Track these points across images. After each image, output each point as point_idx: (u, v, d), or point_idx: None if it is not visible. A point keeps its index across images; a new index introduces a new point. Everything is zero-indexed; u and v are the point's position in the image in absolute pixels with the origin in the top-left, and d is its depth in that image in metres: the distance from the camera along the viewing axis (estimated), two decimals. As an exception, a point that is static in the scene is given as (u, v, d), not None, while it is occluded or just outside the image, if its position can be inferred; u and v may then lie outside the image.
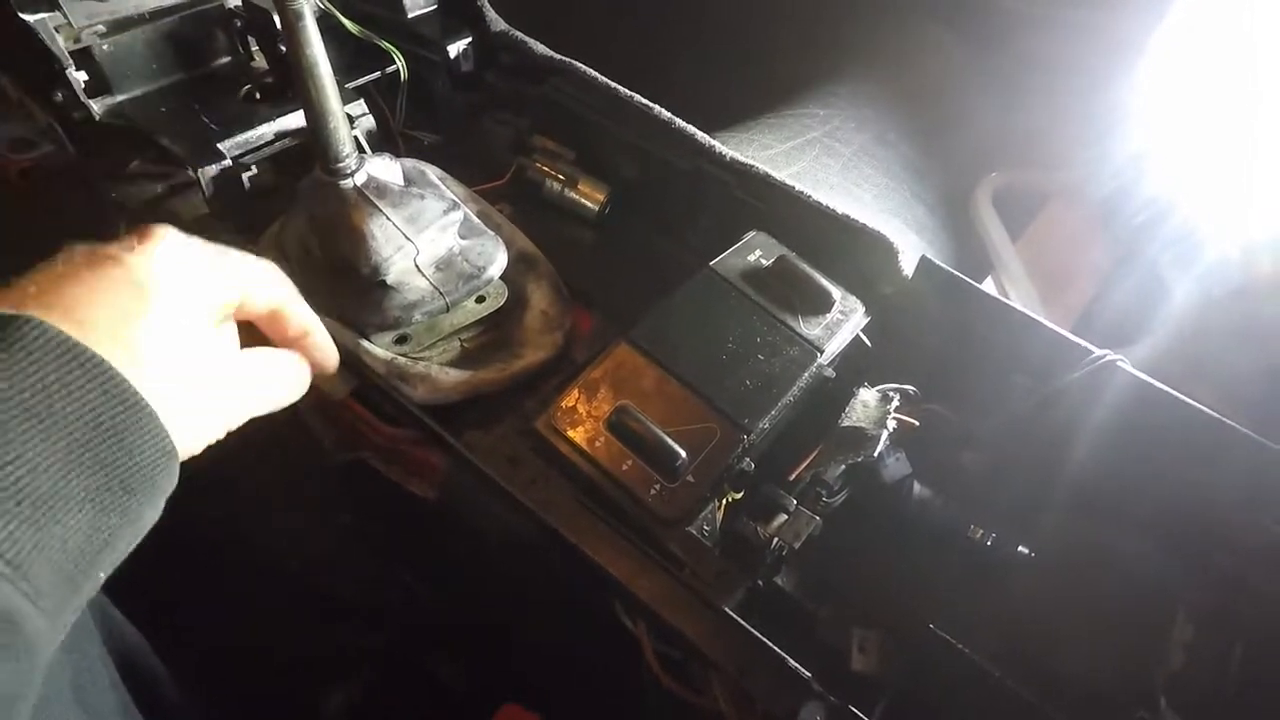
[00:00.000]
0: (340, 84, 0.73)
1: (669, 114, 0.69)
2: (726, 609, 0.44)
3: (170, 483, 0.33)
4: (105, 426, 0.30)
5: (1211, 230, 0.75)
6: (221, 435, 0.37)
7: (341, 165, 0.53)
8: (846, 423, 0.48)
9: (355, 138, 0.71)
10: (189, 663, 0.63)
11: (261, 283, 0.40)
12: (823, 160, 0.91)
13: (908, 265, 0.60)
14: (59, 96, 0.69)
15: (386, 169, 0.58)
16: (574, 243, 0.72)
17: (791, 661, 0.43)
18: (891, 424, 0.47)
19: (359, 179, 0.54)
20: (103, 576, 0.31)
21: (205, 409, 0.36)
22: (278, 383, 0.42)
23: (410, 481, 0.60)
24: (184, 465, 0.35)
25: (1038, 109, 1.01)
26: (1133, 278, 0.83)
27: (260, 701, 0.74)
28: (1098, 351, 0.53)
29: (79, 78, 0.68)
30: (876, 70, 1.05)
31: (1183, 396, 0.50)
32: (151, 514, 0.32)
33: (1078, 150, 0.96)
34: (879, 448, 0.45)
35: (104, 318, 0.32)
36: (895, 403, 0.48)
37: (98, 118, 0.70)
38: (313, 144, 0.53)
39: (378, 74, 0.78)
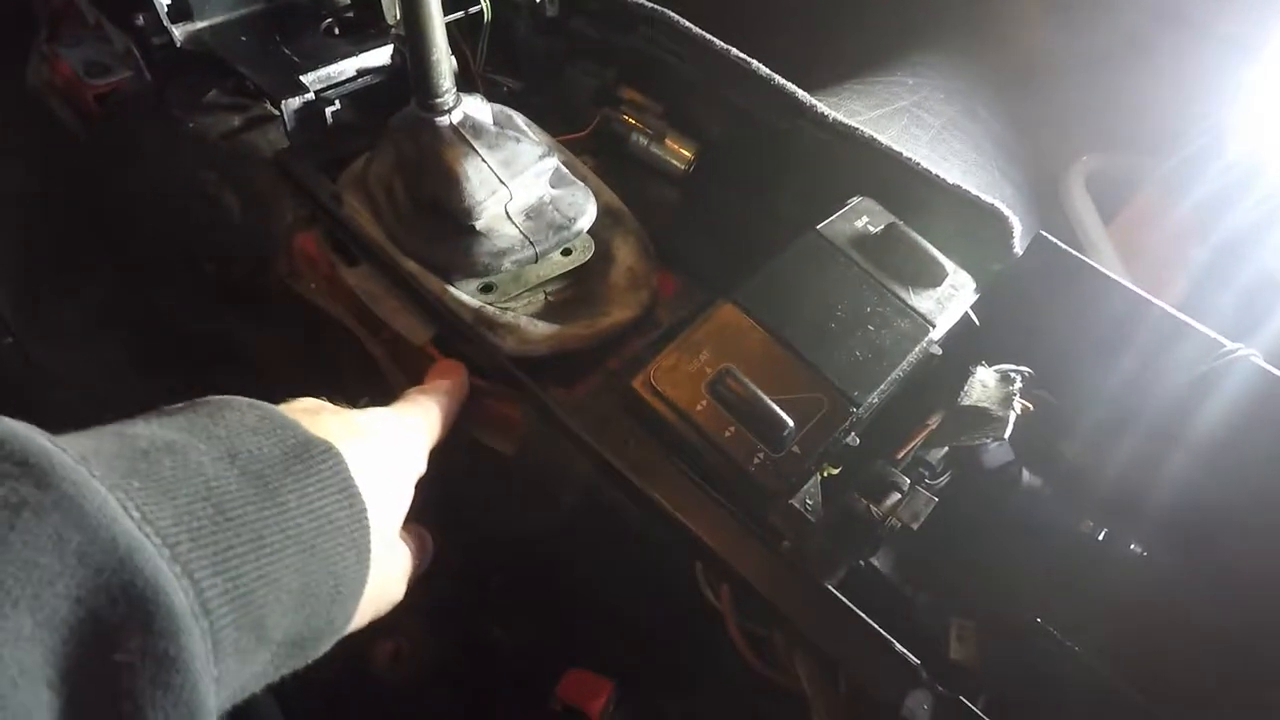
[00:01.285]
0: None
1: (768, 70, 0.66)
2: (830, 587, 0.42)
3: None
4: (336, 579, 0.29)
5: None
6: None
7: (440, 100, 0.51)
8: (966, 401, 0.45)
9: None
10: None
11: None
12: (911, 131, 0.87)
13: (1019, 241, 0.56)
14: (140, 20, 0.68)
15: (479, 109, 0.56)
16: (657, 200, 0.69)
17: (898, 646, 0.41)
18: (1018, 405, 0.44)
19: (455, 116, 0.52)
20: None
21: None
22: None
23: (485, 433, 0.59)
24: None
25: (1140, 91, 0.96)
26: (1239, 278, 0.78)
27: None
28: (1229, 344, 0.50)
29: (163, 1, 0.66)
30: (969, 41, 1.00)
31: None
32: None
33: (1181, 137, 0.91)
34: (1008, 429, 0.43)
35: (353, 455, 0.32)
36: (1018, 384, 0.46)
37: (178, 44, 0.68)
38: (410, 75, 0.50)
39: (460, 14, 0.75)
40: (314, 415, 0.34)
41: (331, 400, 0.39)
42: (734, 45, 0.69)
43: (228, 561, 0.25)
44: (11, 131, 0.84)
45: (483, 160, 0.52)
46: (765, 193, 0.68)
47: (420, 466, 0.41)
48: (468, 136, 0.52)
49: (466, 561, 0.73)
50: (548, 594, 0.64)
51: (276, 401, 0.38)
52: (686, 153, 0.69)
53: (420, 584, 0.79)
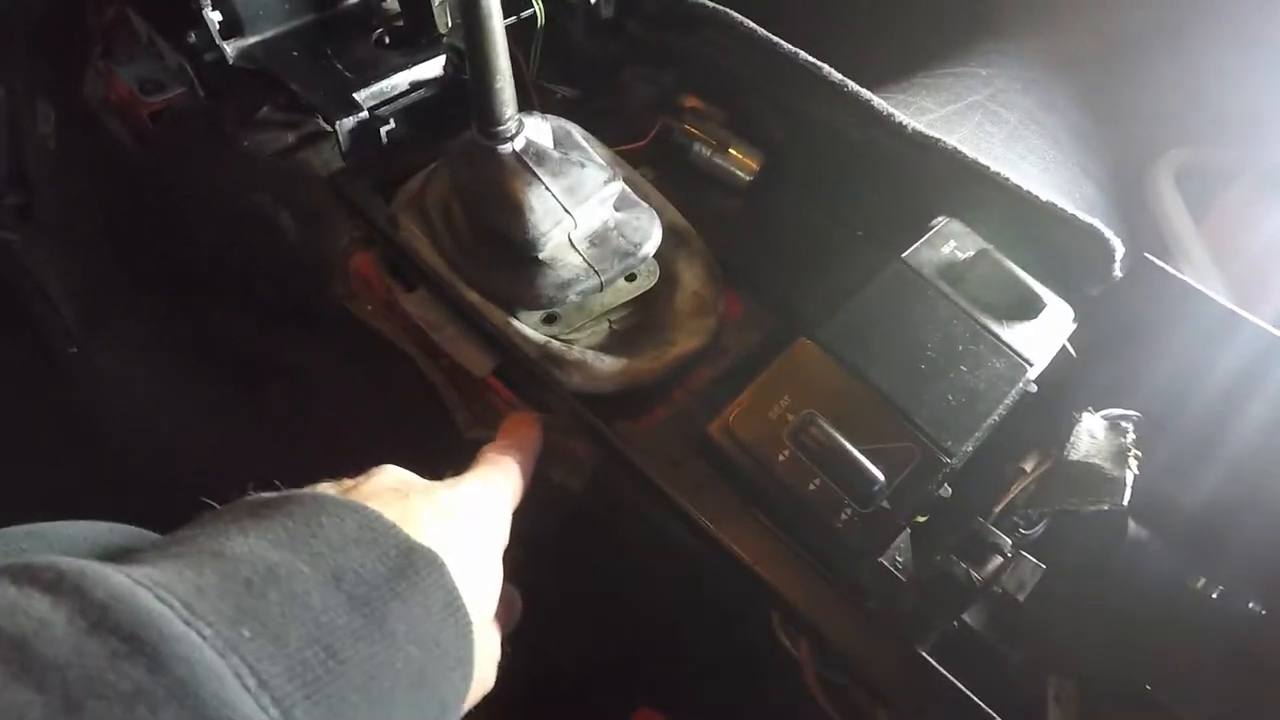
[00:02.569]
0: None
1: (839, 75, 0.62)
2: (924, 653, 0.40)
3: None
4: (442, 704, 0.28)
5: None
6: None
7: (502, 129, 0.48)
8: (1074, 456, 0.42)
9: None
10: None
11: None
12: (985, 128, 0.82)
13: (1119, 263, 0.52)
14: (192, 37, 0.66)
15: (540, 131, 0.54)
16: (720, 213, 0.66)
17: (996, 718, 0.39)
18: (1134, 464, 0.41)
19: (518, 144, 0.49)
20: None
21: None
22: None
23: (553, 469, 0.57)
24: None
25: (1233, 77, 0.88)
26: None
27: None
28: (1363, 382, 0.45)
29: (214, 18, 0.64)
30: (1046, 26, 0.94)
31: None
32: None
33: (1276, 123, 0.84)
34: (1126, 494, 0.39)
35: (454, 560, 0.31)
36: (1131, 435, 0.42)
37: (231, 60, 0.67)
38: (471, 102, 0.48)
39: (513, 19, 0.72)
40: (404, 500, 0.32)
41: (407, 457, 0.37)
42: (794, 42, 0.65)
43: (342, 715, 0.24)
44: (72, 147, 0.85)
45: (546, 189, 0.49)
46: (836, 206, 0.65)
47: (505, 537, 0.39)
48: (531, 164, 0.49)
49: (530, 589, 0.72)
50: (616, 629, 0.63)
51: (351, 454, 0.36)
52: (751, 163, 0.66)
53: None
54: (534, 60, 0.74)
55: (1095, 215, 0.83)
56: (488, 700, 0.73)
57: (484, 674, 0.37)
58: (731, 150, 0.66)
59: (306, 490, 0.29)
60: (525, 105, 0.64)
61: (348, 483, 0.34)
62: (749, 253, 0.63)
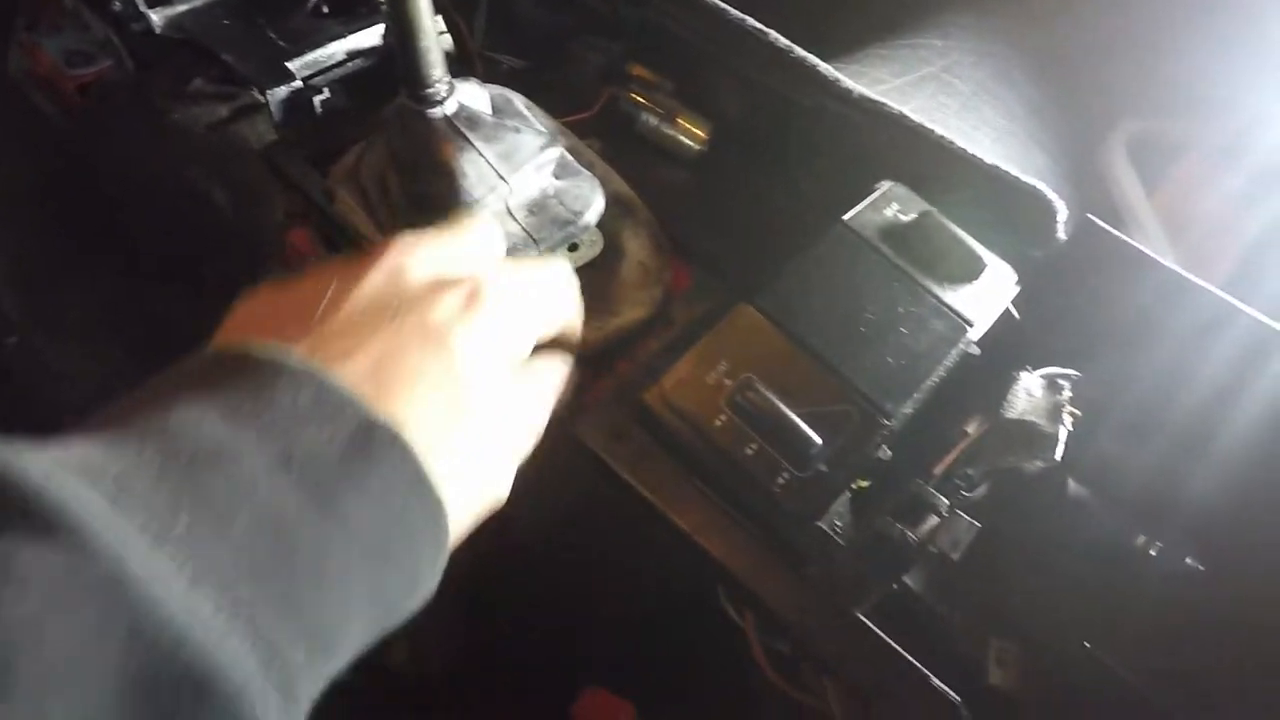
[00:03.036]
0: (418, -3, 0.65)
1: (786, 41, 0.61)
2: (862, 617, 0.39)
3: None
4: (413, 579, 0.27)
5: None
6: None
7: (431, 91, 0.47)
8: (1010, 414, 0.41)
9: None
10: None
11: (563, 316, 0.38)
12: (939, 99, 0.81)
13: (1064, 225, 0.52)
14: (116, 5, 0.64)
15: (475, 97, 0.52)
16: (669, 185, 0.65)
17: (936, 681, 0.38)
18: (1068, 420, 0.40)
19: (449, 107, 0.48)
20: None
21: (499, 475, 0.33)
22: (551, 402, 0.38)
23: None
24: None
25: (1187, 51, 0.89)
26: (1293, 247, 0.73)
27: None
28: (1298, 337, 0.45)
29: (138, -16, 0.62)
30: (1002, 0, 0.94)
31: None
32: None
33: (1229, 97, 0.85)
34: (1059, 450, 0.39)
35: (432, 427, 0.28)
36: (1067, 393, 0.42)
37: (157, 30, 0.64)
38: (399, 65, 0.46)
39: (456, -13, 0.70)
40: (390, 329, 0.29)
41: None
42: (750, 12, 0.63)
43: (291, 604, 0.22)
44: (-3, 126, 0.82)
45: (479, 154, 0.48)
46: (786, 174, 0.64)
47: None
48: (463, 129, 0.48)
49: (479, 567, 0.71)
50: (563, 605, 0.62)
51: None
52: (700, 132, 0.65)
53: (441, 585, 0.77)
54: (479, 30, 0.72)
55: (1047, 186, 0.83)
56: (437, 667, 0.71)
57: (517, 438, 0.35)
58: (680, 120, 0.65)
59: (267, 353, 0.26)
60: (470, 75, 0.63)
61: (348, 273, 0.31)
62: (699, 223, 0.62)
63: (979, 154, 0.54)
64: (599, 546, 0.55)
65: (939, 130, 0.56)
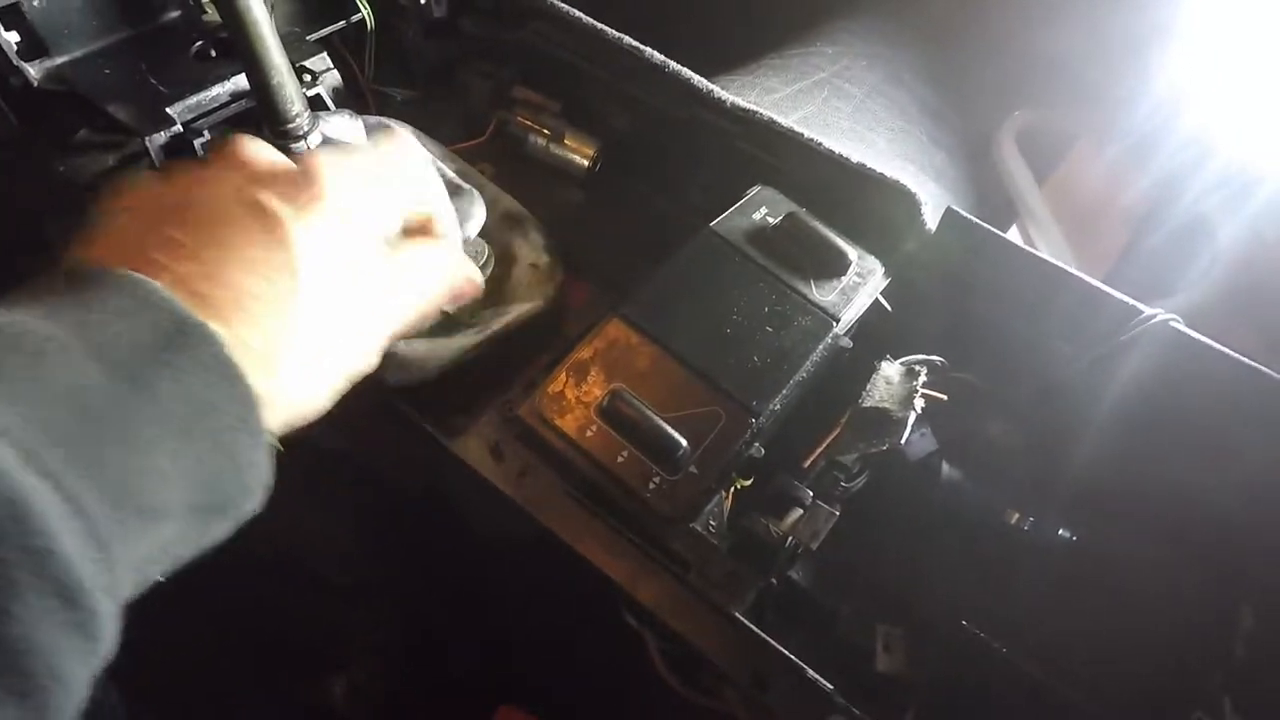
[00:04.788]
0: (300, 36, 0.66)
1: (661, 56, 0.62)
2: (738, 614, 0.40)
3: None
4: (231, 456, 0.29)
5: (1265, 167, 0.68)
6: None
7: (291, 126, 0.47)
8: (867, 403, 0.42)
9: (319, 95, 0.65)
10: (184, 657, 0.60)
11: (425, 197, 0.40)
12: (832, 103, 0.84)
13: (930, 218, 0.53)
14: (-9, 61, 0.63)
15: (346, 128, 0.52)
16: (563, 204, 0.66)
17: (811, 672, 0.39)
18: (919, 404, 0.42)
19: (313, 140, 0.48)
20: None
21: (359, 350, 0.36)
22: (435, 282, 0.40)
23: (398, 472, 0.56)
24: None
25: (1064, 38, 0.93)
26: (1172, 222, 0.76)
27: (264, 689, 0.72)
28: (1147, 310, 0.47)
29: (9, 39, 0.61)
30: (891, 3, 0.97)
31: (1248, 360, 0.44)
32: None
33: (1109, 84, 0.88)
34: (905, 434, 0.40)
35: (260, 318, 0.31)
36: (922, 378, 0.43)
37: (35, 83, 0.64)
38: (256, 103, 0.47)
39: (342, 24, 0.71)
40: (247, 223, 0.32)
41: None
42: (645, 32, 0.65)
43: (95, 460, 0.25)
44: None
45: (346, 187, 0.48)
46: (674, 188, 0.65)
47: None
48: (327, 162, 0.48)
49: (418, 593, 0.70)
50: (488, 626, 0.62)
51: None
52: (588, 150, 0.66)
53: (372, 618, 0.76)
54: (369, 64, 0.73)
55: (945, 182, 0.86)
56: (378, 698, 0.70)
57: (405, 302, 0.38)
58: (568, 140, 0.66)
59: (95, 268, 0.29)
60: (362, 110, 0.63)
61: (193, 173, 0.34)
62: (592, 239, 0.63)
63: (881, 161, 0.55)
64: (505, 566, 0.55)
65: (840, 140, 0.57)
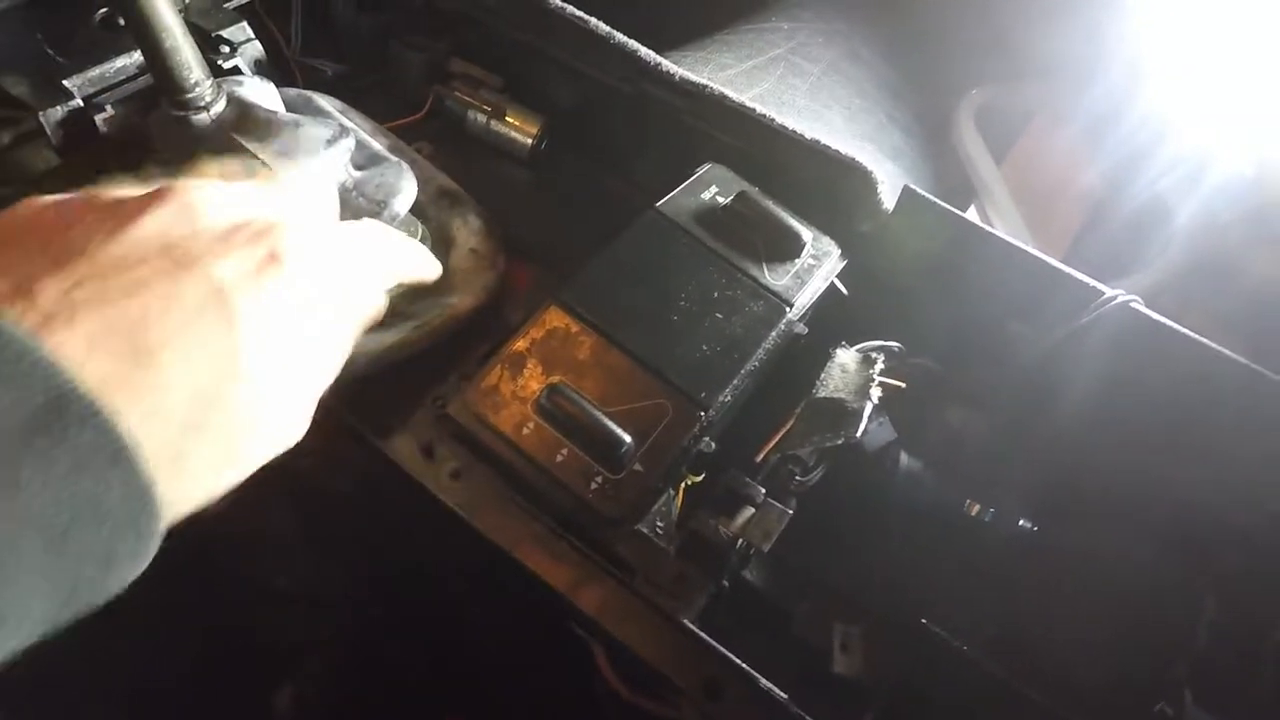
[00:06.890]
0: (217, 2, 0.61)
1: (606, 28, 0.59)
2: (687, 621, 0.37)
3: None
4: (100, 563, 0.24)
5: (1221, 148, 0.67)
6: None
7: (191, 96, 0.43)
8: (822, 393, 0.40)
9: (236, 67, 0.60)
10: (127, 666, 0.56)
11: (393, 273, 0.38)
12: (788, 80, 0.81)
13: (888, 197, 0.51)
14: None
15: (259, 94, 0.48)
16: (506, 184, 0.62)
17: (764, 682, 0.36)
18: (875, 394, 0.39)
19: (215, 110, 0.44)
20: None
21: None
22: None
23: (331, 474, 0.52)
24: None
25: (1021, 12, 0.91)
26: (1129, 202, 0.75)
27: (207, 701, 0.68)
28: (1108, 291, 0.46)
29: (-117, 3, 0.55)
30: (846, -23, 0.94)
31: (1208, 342, 0.43)
32: None
33: (1066, 60, 0.87)
34: (861, 425, 0.38)
35: (185, 394, 0.25)
36: (879, 365, 0.41)
37: (-84, 53, 0.58)
38: (151, 72, 0.42)
39: (266, -10, 0.66)
40: (170, 275, 0.26)
41: None
42: (591, 5, 0.61)
43: None
44: None
45: (253, 155, 0.44)
46: (622, 166, 0.62)
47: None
48: (231, 131, 0.44)
49: (364, 601, 0.67)
50: (435, 635, 0.58)
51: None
52: (532, 127, 0.62)
53: (317, 628, 0.72)
54: (295, 35, 0.68)
55: (902, 161, 0.84)
56: (325, 708, 0.67)
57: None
58: (510, 116, 0.62)
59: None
60: (288, 84, 0.58)
61: (123, 210, 0.27)
62: (535, 220, 0.60)
63: (838, 138, 0.53)
64: (450, 578, 0.52)
65: (796, 118, 0.54)
